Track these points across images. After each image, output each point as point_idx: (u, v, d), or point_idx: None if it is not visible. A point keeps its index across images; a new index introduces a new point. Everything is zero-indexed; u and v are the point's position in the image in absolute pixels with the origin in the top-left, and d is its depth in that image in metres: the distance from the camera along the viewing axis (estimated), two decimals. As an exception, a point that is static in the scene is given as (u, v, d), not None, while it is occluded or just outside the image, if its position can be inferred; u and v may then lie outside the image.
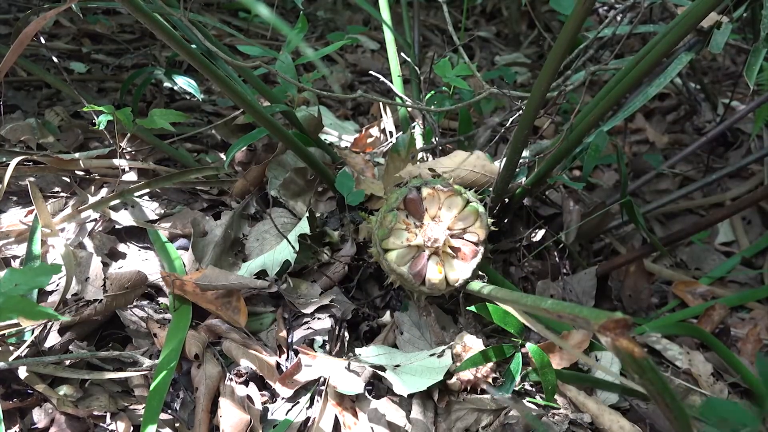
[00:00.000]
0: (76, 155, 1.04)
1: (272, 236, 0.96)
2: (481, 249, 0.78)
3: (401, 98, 1.09)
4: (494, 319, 0.76)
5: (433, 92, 1.12)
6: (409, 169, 0.90)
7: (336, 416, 0.70)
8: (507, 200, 1.03)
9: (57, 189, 1.01)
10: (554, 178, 0.96)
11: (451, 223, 0.77)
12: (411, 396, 0.73)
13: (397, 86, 1.14)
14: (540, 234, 1.08)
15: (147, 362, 0.74)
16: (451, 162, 0.89)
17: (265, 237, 0.97)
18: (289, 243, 0.84)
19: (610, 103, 0.75)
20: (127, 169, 1.05)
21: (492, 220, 0.81)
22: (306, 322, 0.84)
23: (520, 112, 0.95)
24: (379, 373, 0.75)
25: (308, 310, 0.85)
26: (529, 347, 0.74)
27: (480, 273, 0.82)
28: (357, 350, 0.80)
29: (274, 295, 0.90)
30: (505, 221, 1.09)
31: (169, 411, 0.72)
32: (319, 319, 0.84)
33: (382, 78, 1.10)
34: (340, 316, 0.86)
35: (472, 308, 0.78)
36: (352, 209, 1.05)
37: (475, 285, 0.75)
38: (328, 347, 0.81)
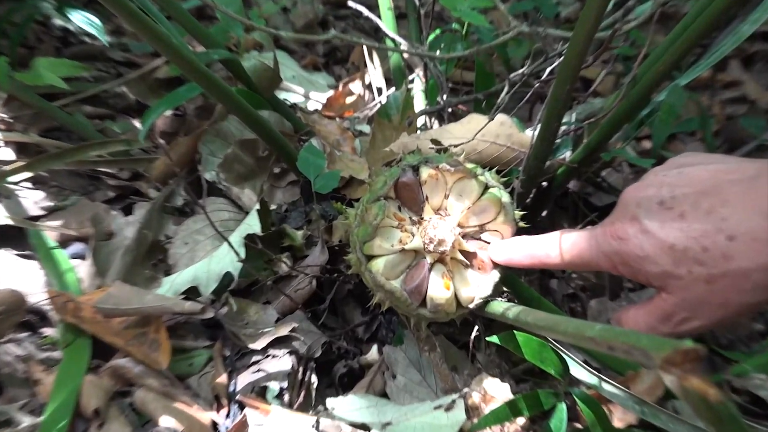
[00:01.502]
0: None
1: (207, 238, 0.97)
2: None
3: (393, 40, 1.07)
4: (526, 355, 0.75)
5: (438, 31, 1.10)
6: (403, 141, 0.90)
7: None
8: (544, 184, 1.03)
9: None
10: (612, 153, 0.96)
11: (464, 218, 0.76)
12: (407, 466, 0.73)
13: (387, 23, 1.12)
14: None
15: (26, 421, 0.73)
16: (463, 130, 0.89)
17: (198, 239, 0.98)
18: (232, 248, 0.82)
19: (690, 44, 0.74)
20: (0, 143, 1.02)
21: (522, 213, 0.80)
22: (255, 362, 0.84)
23: (561, 58, 0.93)
24: (362, 433, 0.73)
25: (259, 345, 0.84)
26: (577, 395, 0.74)
27: (505, 289, 0.82)
28: (329, 402, 0.80)
29: (209, 324, 0.91)
30: (542, 214, 1.08)
31: (58, 491, 0.71)
32: (274, 357, 0.84)
33: (366, 12, 1.08)
34: (305, 353, 0.86)
35: (495, 339, 0.77)
36: (323, 199, 1.04)
37: (499, 306, 0.74)
38: (287, 398, 0.82)
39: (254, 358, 0.84)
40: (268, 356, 0.84)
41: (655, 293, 0.57)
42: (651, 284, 0.56)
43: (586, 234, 0.61)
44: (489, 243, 0.78)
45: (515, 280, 0.91)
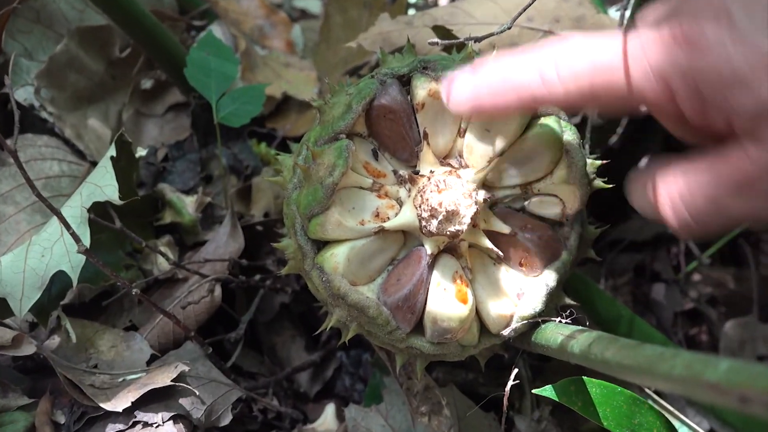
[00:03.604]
0: None
1: (21, 210, 0.95)
2: (573, 238, 0.78)
3: None
4: (604, 421, 0.74)
5: None
6: (382, 29, 0.89)
7: None
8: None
9: None
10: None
11: (493, 173, 0.77)
12: None
13: None
14: None
15: None
16: (492, 8, 0.88)
17: (3, 213, 0.95)
18: (66, 227, 0.80)
19: None
20: None
21: (601, 162, 0.80)
22: None
23: None
24: None
25: (119, 404, 0.83)
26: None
27: (568, 301, 0.81)
28: None
29: (28, 366, 0.90)
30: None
31: None
32: (146, 427, 0.83)
33: None
34: (203, 420, 0.85)
35: (549, 392, 0.77)
36: (234, 137, 1.06)
37: (556, 333, 0.73)
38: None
39: (110, 429, 0.82)
40: (134, 425, 0.82)
41: (728, 147, 0.57)
42: (730, 130, 0.56)
43: (614, 40, 0.60)
44: (543, 220, 0.78)
45: (588, 286, 0.92)
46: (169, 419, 0.83)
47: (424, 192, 0.72)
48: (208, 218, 1.03)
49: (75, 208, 0.86)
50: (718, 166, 0.57)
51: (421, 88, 0.75)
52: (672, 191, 0.59)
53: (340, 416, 0.94)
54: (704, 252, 1.13)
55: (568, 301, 0.81)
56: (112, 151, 0.89)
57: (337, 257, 0.73)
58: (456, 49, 0.84)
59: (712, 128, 0.56)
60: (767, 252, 1.14)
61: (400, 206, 0.75)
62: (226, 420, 0.87)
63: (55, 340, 0.89)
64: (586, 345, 0.64)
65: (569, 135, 0.75)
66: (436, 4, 1.04)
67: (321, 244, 0.76)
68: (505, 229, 0.75)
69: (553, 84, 0.60)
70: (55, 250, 0.85)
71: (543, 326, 0.75)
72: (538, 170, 0.76)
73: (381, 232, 0.74)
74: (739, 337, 1.07)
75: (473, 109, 0.66)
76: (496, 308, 0.75)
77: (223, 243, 0.97)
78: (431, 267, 0.74)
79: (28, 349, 0.84)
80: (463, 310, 0.73)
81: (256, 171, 1.09)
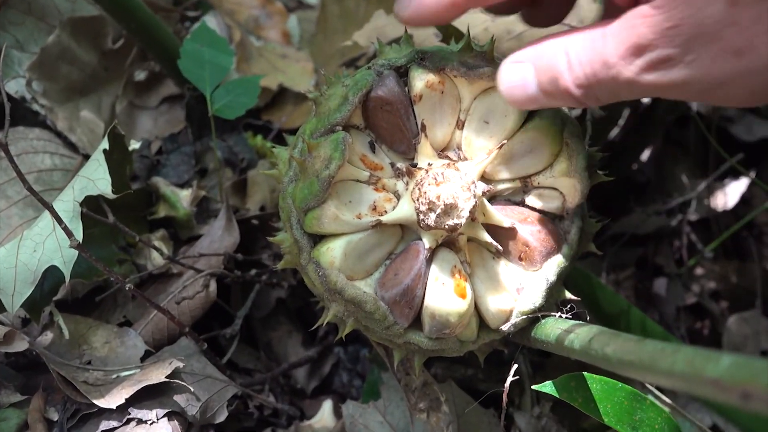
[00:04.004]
0: None
1: (13, 204, 0.95)
2: (573, 231, 0.78)
3: None
4: (605, 417, 0.74)
5: None
6: (376, 24, 0.90)
7: None
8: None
9: None
10: None
11: (493, 165, 0.76)
12: None
13: None
14: (736, 190, 1.12)
15: None
16: None
17: None
18: (58, 222, 0.80)
19: None
20: None
21: (602, 155, 0.80)
22: None
23: None
24: None
25: (112, 401, 0.82)
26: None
27: (569, 296, 0.81)
28: None
29: (21, 363, 0.89)
30: (642, 157, 1.11)
31: None
32: (140, 423, 0.83)
33: None
34: (198, 417, 0.84)
35: (549, 388, 0.77)
36: (229, 130, 1.06)
37: (556, 328, 0.73)
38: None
39: (104, 426, 0.82)
40: (128, 422, 0.82)
41: (627, 13, 0.59)
42: None
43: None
44: (543, 212, 0.78)
45: (589, 280, 0.92)
46: (163, 416, 0.82)
47: (422, 185, 0.72)
48: (203, 212, 1.03)
49: (67, 202, 0.86)
50: (611, 29, 0.58)
51: (419, 80, 0.74)
52: (559, 54, 0.61)
53: (337, 413, 0.94)
54: (707, 245, 1.12)
55: (569, 295, 0.80)
56: (105, 144, 0.89)
57: (333, 251, 0.73)
58: (454, 39, 0.83)
59: None
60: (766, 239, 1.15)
61: (398, 199, 0.75)
62: (222, 417, 0.87)
63: (48, 336, 0.89)
64: (586, 340, 0.64)
65: (570, 127, 0.75)
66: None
67: (317, 239, 0.75)
68: (505, 222, 0.75)
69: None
70: (47, 244, 0.85)
71: (543, 321, 0.75)
72: (538, 163, 0.76)
73: (378, 225, 0.73)
74: (743, 332, 1.07)
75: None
76: (495, 303, 0.75)
77: (218, 237, 0.97)
78: (429, 261, 0.74)
79: (21, 345, 0.83)
80: (461, 305, 0.72)
81: (251, 164, 1.08)
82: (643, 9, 0.56)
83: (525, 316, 0.74)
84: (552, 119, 0.74)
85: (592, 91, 0.60)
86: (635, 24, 0.56)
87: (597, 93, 0.60)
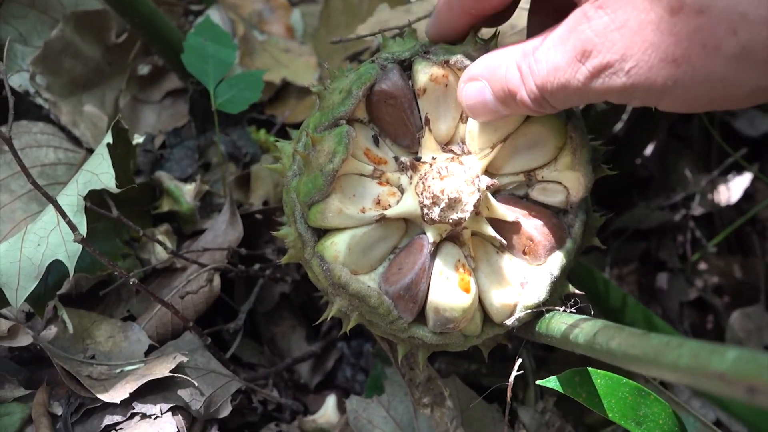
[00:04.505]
0: None
1: (16, 198, 0.95)
2: (577, 225, 0.78)
3: None
4: (609, 412, 0.74)
5: None
6: (379, 18, 0.91)
7: None
8: None
9: None
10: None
11: (497, 159, 0.76)
12: None
13: None
14: (739, 185, 1.12)
15: None
16: None
17: (0, 199, 0.95)
18: (62, 216, 0.80)
19: None
20: None
21: (606, 148, 0.80)
22: (110, 428, 0.83)
23: None
24: None
25: (116, 396, 0.82)
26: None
27: (573, 290, 0.81)
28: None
29: (25, 357, 0.89)
30: (646, 151, 1.11)
31: None
32: (144, 418, 0.83)
33: None
34: (202, 411, 0.85)
35: (553, 382, 0.77)
36: (232, 124, 1.06)
37: (561, 322, 0.73)
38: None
39: (107, 420, 0.82)
40: (132, 416, 0.82)
41: (573, 12, 0.60)
42: None
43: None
44: (546, 206, 0.78)
45: (592, 275, 0.92)
46: (167, 411, 0.83)
47: (426, 179, 0.72)
48: (207, 206, 1.02)
49: (71, 197, 0.86)
50: (559, 33, 0.59)
51: (423, 73, 0.74)
52: (508, 62, 0.63)
53: (341, 407, 0.94)
54: (710, 240, 1.12)
55: (573, 290, 0.80)
56: (108, 138, 0.89)
57: (337, 246, 0.73)
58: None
59: None
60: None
61: (402, 193, 0.75)
62: (226, 411, 0.87)
63: (52, 331, 0.89)
64: (591, 335, 0.64)
65: (574, 121, 0.75)
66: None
67: (321, 233, 0.75)
68: (509, 216, 0.75)
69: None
70: (51, 239, 0.85)
71: (547, 316, 0.75)
72: (542, 157, 0.76)
73: (382, 219, 0.73)
74: (746, 327, 1.07)
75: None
76: (499, 297, 0.75)
77: (222, 232, 0.97)
78: (433, 255, 0.74)
79: (25, 339, 0.83)
80: (465, 300, 0.72)
81: (254, 158, 1.08)
82: (586, 9, 0.56)
83: (529, 311, 0.74)
84: (556, 113, 0.73)
85: (546, 101, 0.61)
86: (580, 28, 0.57)
87: (551, 101, 0.61)
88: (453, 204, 0.71)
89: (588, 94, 0.59)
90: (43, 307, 0.89)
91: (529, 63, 0.61)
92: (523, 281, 0.75)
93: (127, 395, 0.82)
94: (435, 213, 0.71)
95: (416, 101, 0.75)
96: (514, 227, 0.76)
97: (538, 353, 0.97)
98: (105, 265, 0.86)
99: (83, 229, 0.82)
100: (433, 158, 0.74)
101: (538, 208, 0.77)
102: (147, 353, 0.89)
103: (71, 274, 0.83)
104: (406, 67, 0.75)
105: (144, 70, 1.11)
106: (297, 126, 0.81)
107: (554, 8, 0.65)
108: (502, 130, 0.74)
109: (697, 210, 1.18)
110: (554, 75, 0.59)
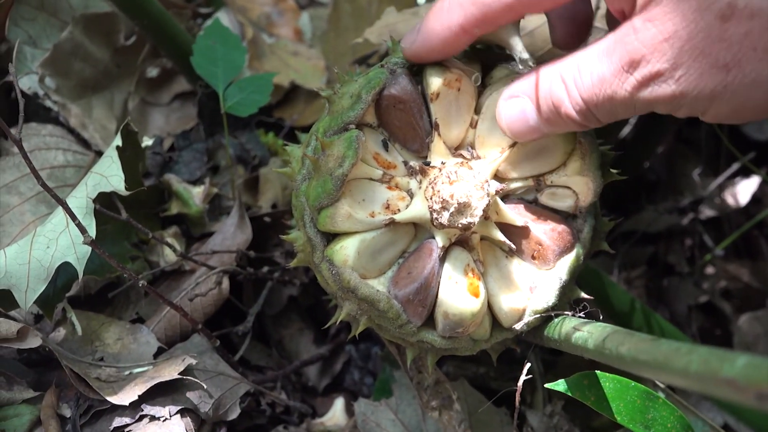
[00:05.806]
0: None
1: (26, 201, 0.95)
2: (586, 230, 0.78)
3: None
4: (618, 416, 0.74)
5: None
6: (391, 20, 0.89)
7: None
8: None
9: None
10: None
11: (506, 164, 0.76)
12: None
13: None
14: (747, 189, 1.12)
15: None
16: None
17: (8, 203, 0.95)
18: (72, 218, 0.80)
19: None
20: None
21: (615, 153, 0.80)
22: (119, 430, 0.83)
23: None
24: None
25: (125, 398, 0.83)
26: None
27: (583, 295, 0.81)
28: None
29: (34, 359, 0.90)
30: (653, 156, 1.09)
31: None
32: (153, 420, 0.83)
33: None
34: (210, 413, 0.85)
35: (561, 386, 0.77)
36: (241, 127, 1.05)
37: (569, 327, 0.73)
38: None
39: (116, 422, 0.82)
40: (141, 418, 0.82)
41: (620, 28, 0.61)
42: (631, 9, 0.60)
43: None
44: (556, 211, 0.78)
45: (601, 279, 0.92)
46: (176, 413, 0.83)
47: (436, 184, 0.72)
48: (215, 209, 1.02)
49: (80, 199, 0.86)
50: (605, 46, 0.60)
51: (436, 77, 0.74)
52: (554, 74, 0.63)
53: (349, 410, 0.94)
54: (718, 244, 1.12)
55: (582, 294, 0.80)
56: (117, 141, 0.89)
57: (347, 250, 0.73)
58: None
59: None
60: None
61: (411, 198, 0.75)
62: (234, 414, 0.87)
63: (61, 333, 0.89)
64: (600, 340, 0.64)
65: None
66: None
67: (330, 237, 0.75)
68: (518, 221, 0.75)
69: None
70: (60, 241, 0.85)
71: (556, 320, 0.75)
72: (551, 162, 0.76)
73: (391, 224, 0.73)
74: (754, 331, 1.06)
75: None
76: (508, 302, 0.75)
77: (231, 234, 0.97)
78: (442, 260, 0.74)
79: (34, 341, 0.83)
80: (474, 304, 0.72)
81: (263, 161, 1.08)
82: (635, 23, 0.57)
83: (538, 315, 0.74)
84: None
85: (591, 114, 0.61)
86: (627, 39, 0.57)
87: (597, 115, 0.61)
88: (462, 209, 0.71)
89: (635, 105, 0.59)
90: (52, 309, 0.90)
91: (573, 76, 0.61)
92: (532, 286, 0.76)
93: (136, 397, 0.82)
94: (444, 217, 0.71)
95: (426, 105, 0.75)
96: (523, 232, 0.76)
97: (546, 357, 0.97)
98: (114, 267, 0.86)
99: (92, 232, 0.83)
100: (443, 163, 0.74)
101: (547, 213, 0.77)
102: (156, 355, 0.89)
103: (80, 276, 0.84)
104: (415, 72, 0.75)
105: (153, 72, 1.11)
106: (305, 129, 0.82)
107: (572, 19, 0.67)
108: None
109: (705, 214, 1.18)
110: (600, 86, 0.59)
